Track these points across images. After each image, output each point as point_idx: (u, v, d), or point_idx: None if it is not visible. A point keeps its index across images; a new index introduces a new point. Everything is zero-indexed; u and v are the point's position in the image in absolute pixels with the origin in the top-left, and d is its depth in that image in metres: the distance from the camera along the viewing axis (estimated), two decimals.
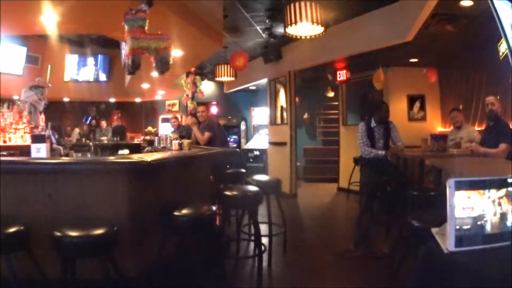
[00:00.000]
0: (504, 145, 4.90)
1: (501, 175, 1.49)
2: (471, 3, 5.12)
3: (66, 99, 11.96)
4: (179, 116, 10.53)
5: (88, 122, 12.55)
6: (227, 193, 4.09)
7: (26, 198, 3.22)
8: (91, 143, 8.60)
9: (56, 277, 2.60)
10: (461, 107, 7.33)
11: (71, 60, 10.82)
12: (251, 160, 12.21)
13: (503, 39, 1.38)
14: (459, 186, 1.42)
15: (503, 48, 4.89)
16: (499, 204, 1.42)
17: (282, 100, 10.00)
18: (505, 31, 1.39)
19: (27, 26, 5.49)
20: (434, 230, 1.68)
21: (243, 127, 13.92)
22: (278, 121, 10.18)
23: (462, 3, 5.16)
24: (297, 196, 9.29)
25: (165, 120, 13.54)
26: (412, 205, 4.13)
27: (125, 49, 4.40)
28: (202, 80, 9.68)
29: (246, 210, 4.67)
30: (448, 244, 1.41)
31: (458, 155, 5.20)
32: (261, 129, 13.30)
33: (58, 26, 5.24)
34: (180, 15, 5.12)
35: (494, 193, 1.42)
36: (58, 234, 2.51)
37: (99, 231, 2.57)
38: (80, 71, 10.99)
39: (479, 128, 7.02)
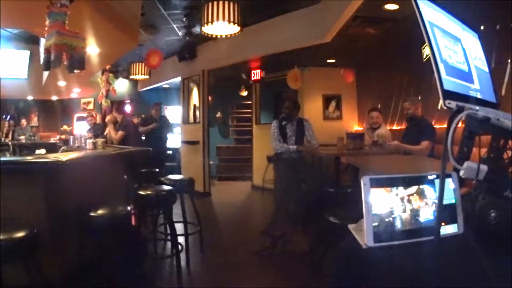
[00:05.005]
0: (427, 142, 5.04)
1: (420, 172, 1.60)
2: (396, 6, 5.27)
3: None
4: (94, 114, 10.25)
5: (7, 120, 11.82)
6: (141, 192, 4.04)
7: None
8: (10, 142, 8.04)
9: None
10: (379, 106, 7.62)
11: None
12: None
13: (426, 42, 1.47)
14: (374, 183, 1.51)
15: (427, 51, 5.08)
16: (409, 201, 1.53)
17: (195, 99, 9.97)
18: (428, 33, 1.49)
19: None
20: (351, 226, 1.74)
21: None
22: (191, 120, 10.13)
23: (387, 6, 5.29)
24: (211, 195, 9.31)
25: (81, 119, 13.09)
26: (328, 202, 4.26)
27: (45, 44, 4.19)
28: (116, 78, 9.42)
29: (161, 209, 4.64)
30: (366, 240, 1.48)
31: (373, 153, 5.29)
32: (174, 128, 13.13)
33: None
34: (98, 11, 4.93)
35: (402, 191, 1.53)
36: None
37: (18, 235, 2.46)
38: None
39: (398, 127, 7.35)
